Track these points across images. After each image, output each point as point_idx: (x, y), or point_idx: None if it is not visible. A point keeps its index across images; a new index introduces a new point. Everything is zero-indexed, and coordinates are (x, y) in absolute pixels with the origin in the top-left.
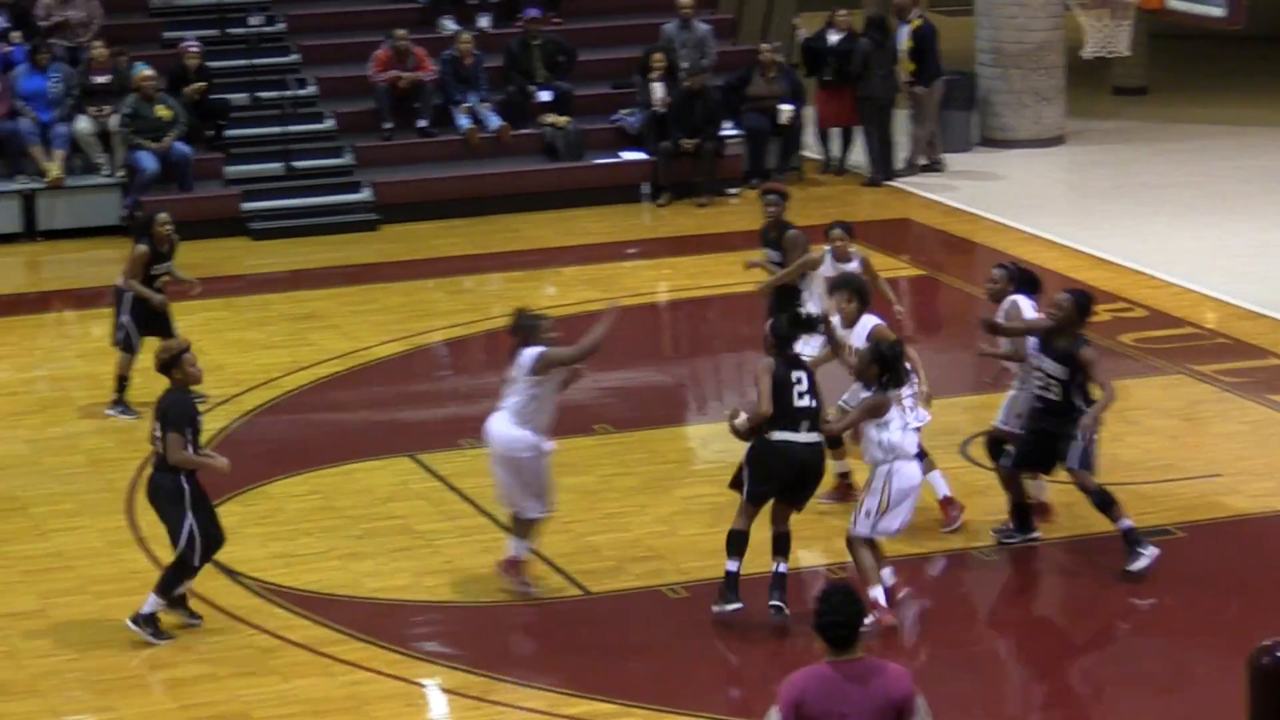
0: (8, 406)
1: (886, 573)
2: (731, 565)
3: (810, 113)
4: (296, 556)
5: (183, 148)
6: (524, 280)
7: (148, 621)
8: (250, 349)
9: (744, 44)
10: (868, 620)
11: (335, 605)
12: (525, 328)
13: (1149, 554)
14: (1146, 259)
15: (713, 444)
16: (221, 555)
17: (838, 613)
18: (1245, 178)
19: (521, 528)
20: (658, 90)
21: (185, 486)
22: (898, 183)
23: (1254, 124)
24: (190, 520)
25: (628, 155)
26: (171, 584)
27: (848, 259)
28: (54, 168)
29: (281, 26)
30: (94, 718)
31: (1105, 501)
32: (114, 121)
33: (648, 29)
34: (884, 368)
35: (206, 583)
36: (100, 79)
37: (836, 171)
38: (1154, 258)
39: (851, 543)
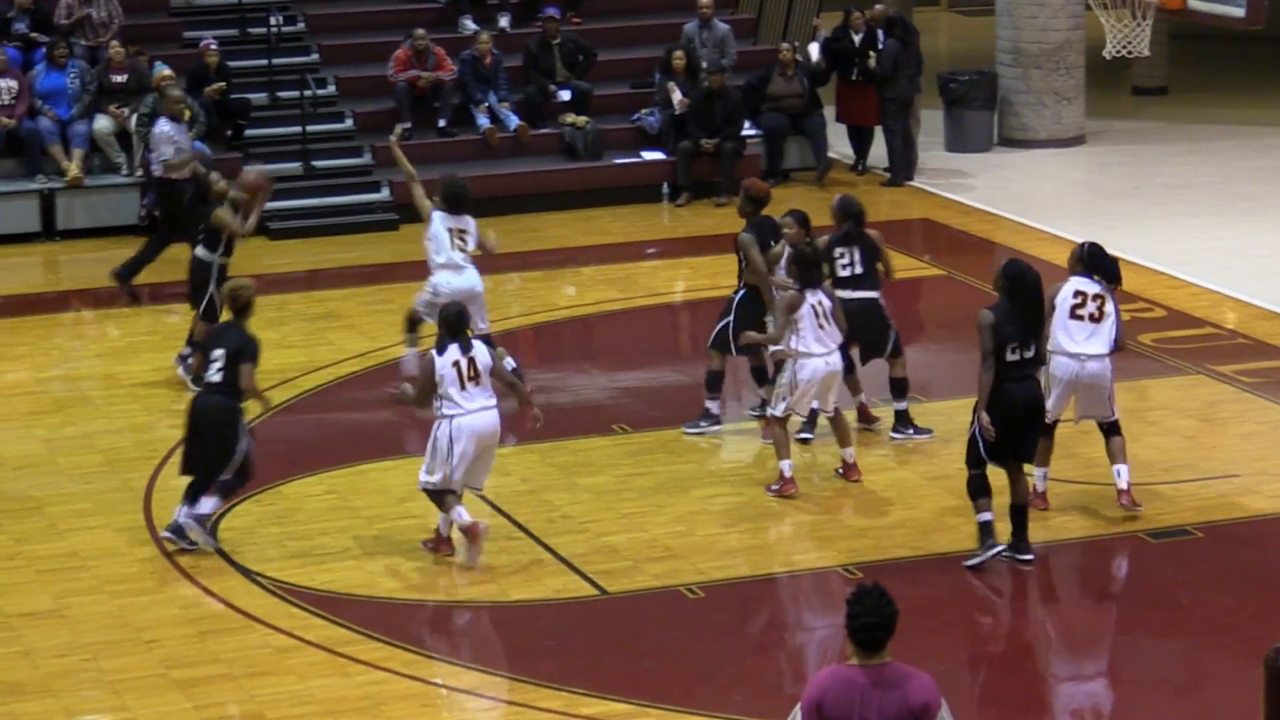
0: (24, 406)
1: (848, 452)
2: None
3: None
4: (313, 556)
5: (201, 147)
6: (543, 280)
7: (202, 520)
8: (268, 348)
9: (764, 44)
10: (772, 487)
11: (351, 605)
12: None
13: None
14: (1166, 259)
15: (730, 444)
16: (238, 555)
17: (872, 614)
18: (1265, 178)
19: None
20: (676, 93)
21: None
22: (917, 182)
23: (1274, 124)
24: (247, 443)
25: (647, 155)
26: (232, 491)
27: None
28: (72, 167)
29: (301, 26)
30: (109, 718)
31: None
32: (133, 121)
33: (668, 29)
34: (800, 268)
35: (220, 581)
36: (119, 78)
37: (858, 171)
38: (1173, 258)
39: (770, 422)
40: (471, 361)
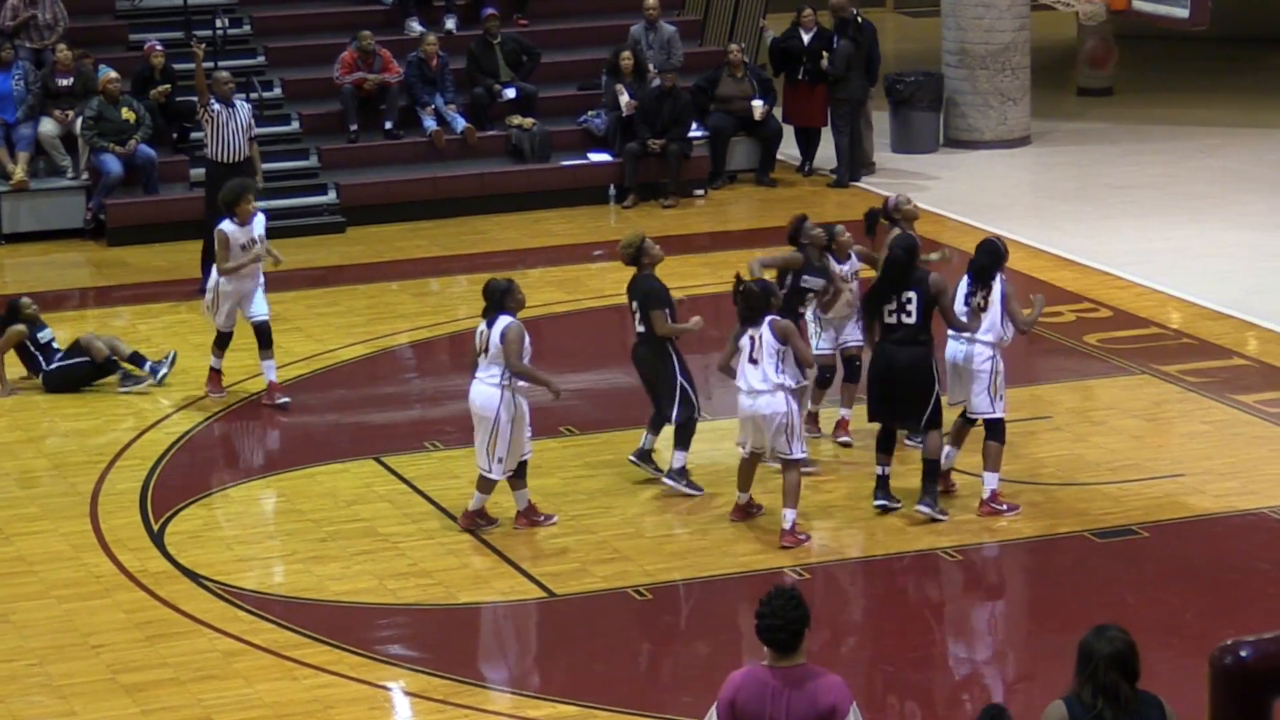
0: None
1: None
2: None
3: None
4: (260, 560)
5: (147, 150)
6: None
7: (680, 474)
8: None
9: (710, 45)
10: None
11: (299, 609)
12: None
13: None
14: (1111, 260)
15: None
16: (185, 559)
17: (776, 617)
18: (1210, 178)
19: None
20: (623, 95)
21: (672, 353)
22: (864, 183)
23: (1219, 125)
24: (681, 380)
25: (594, 157)
26: (687, 440)
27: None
28: (18, 171)
29: (247, 29)
30: None
31: None
32: (78, 124)
33: (614, 30)
34: (744, 305)
35: (168, 586)
36: (64, 81)
37: (804, 172)
38: (1119, 258)
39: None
40: (486, 337)
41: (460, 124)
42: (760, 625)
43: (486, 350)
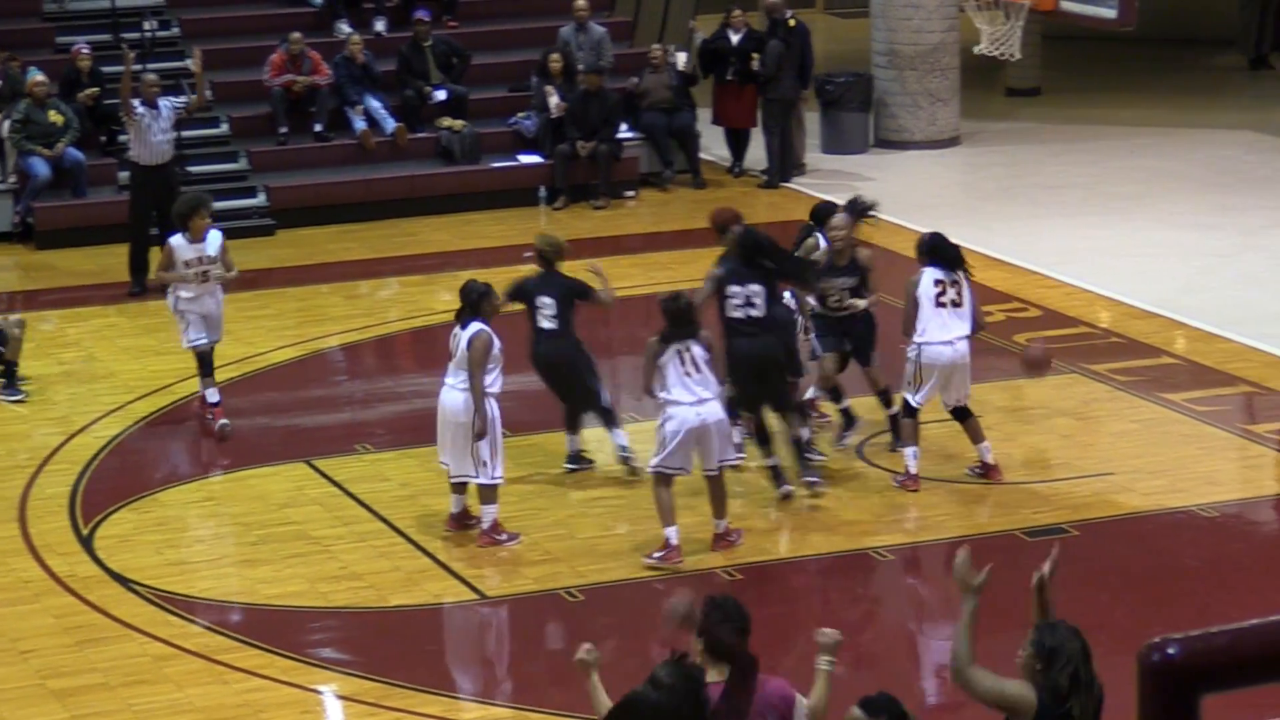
0: None
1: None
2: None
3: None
4: (190, 564)
5: (75, 153)
6: (421, 284)
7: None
8: (143, 355)
9: (640, 46)
10: (655, 555)
11: (230, 612)
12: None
13: None
14: (1040, 259)
15: (609, 446)
16: (114, 563)
17: (723, 624)
18: (1137, 178)
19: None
20: (553, 97)
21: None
22: (795, 184)
23: (1145, 125)
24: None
25: (524, 158)
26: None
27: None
28: None
29: (175, 31)
30: None
31: None
32: (5, 127)
33: (544, 32)
34: (669, 321)
35: (98, 590)
36: None
37: (734, 173)
38: (1048, 258)
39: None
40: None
41: (391, 124)
42: (708, 636)
43: (455, 355)
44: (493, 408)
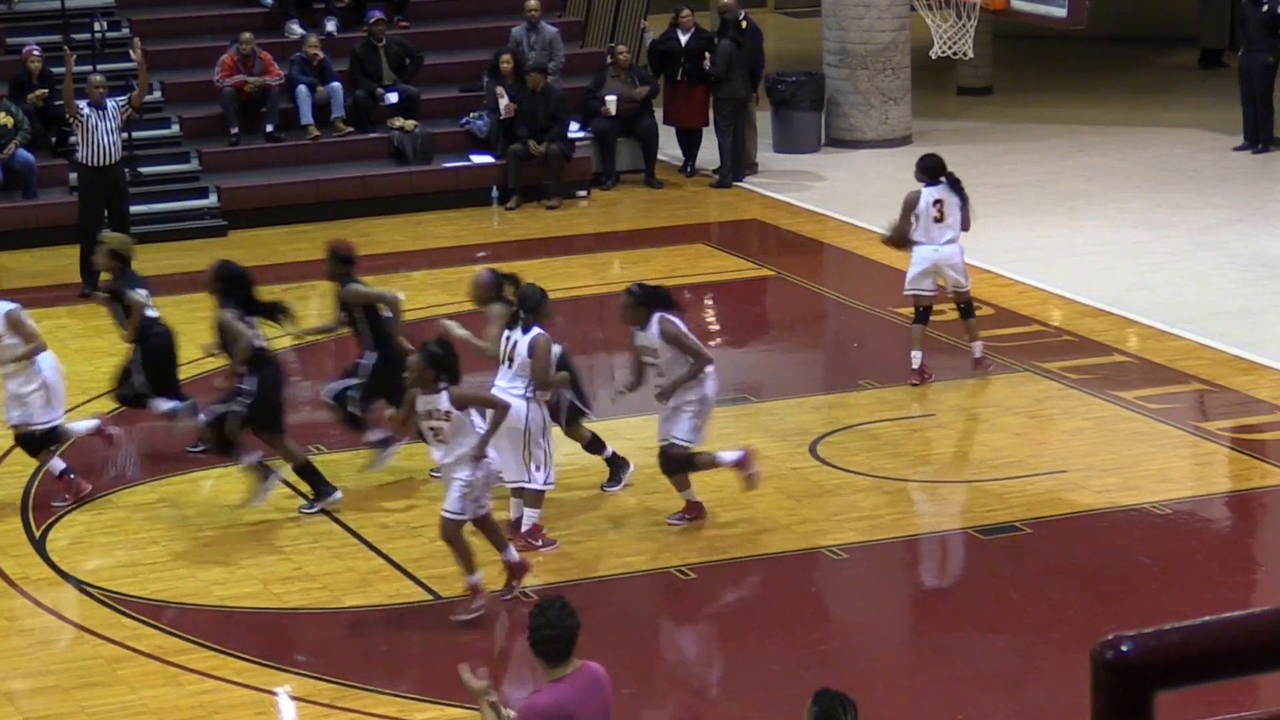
0: None
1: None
2: None
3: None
4: (144, 565)
5: (26, 154)
6: (373, 284)
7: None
8: (96, 356)
9: (592, 46)
10: (462, 617)
11: (183, 614)
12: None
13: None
14: (992, 258)
15: (562, 447)
16: (67, 565)
17: (556, 626)
18: (1088, 176)
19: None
20: (503, 97)
21: None
22: (746, 183)
23: (1096, 123)
24: None
25: (476, 158)
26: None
27: None
28: None
29: (126, 32)
30: None
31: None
32: None
33: (496, 32)
34: (436, 368)
35: (50, 593)
36: None
37: (686, 173)
38: (1000, 256)
39: (448, 526)
40: (514, 345)
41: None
42: (539, 636)
43: (511, 361)
44: (543, 412)
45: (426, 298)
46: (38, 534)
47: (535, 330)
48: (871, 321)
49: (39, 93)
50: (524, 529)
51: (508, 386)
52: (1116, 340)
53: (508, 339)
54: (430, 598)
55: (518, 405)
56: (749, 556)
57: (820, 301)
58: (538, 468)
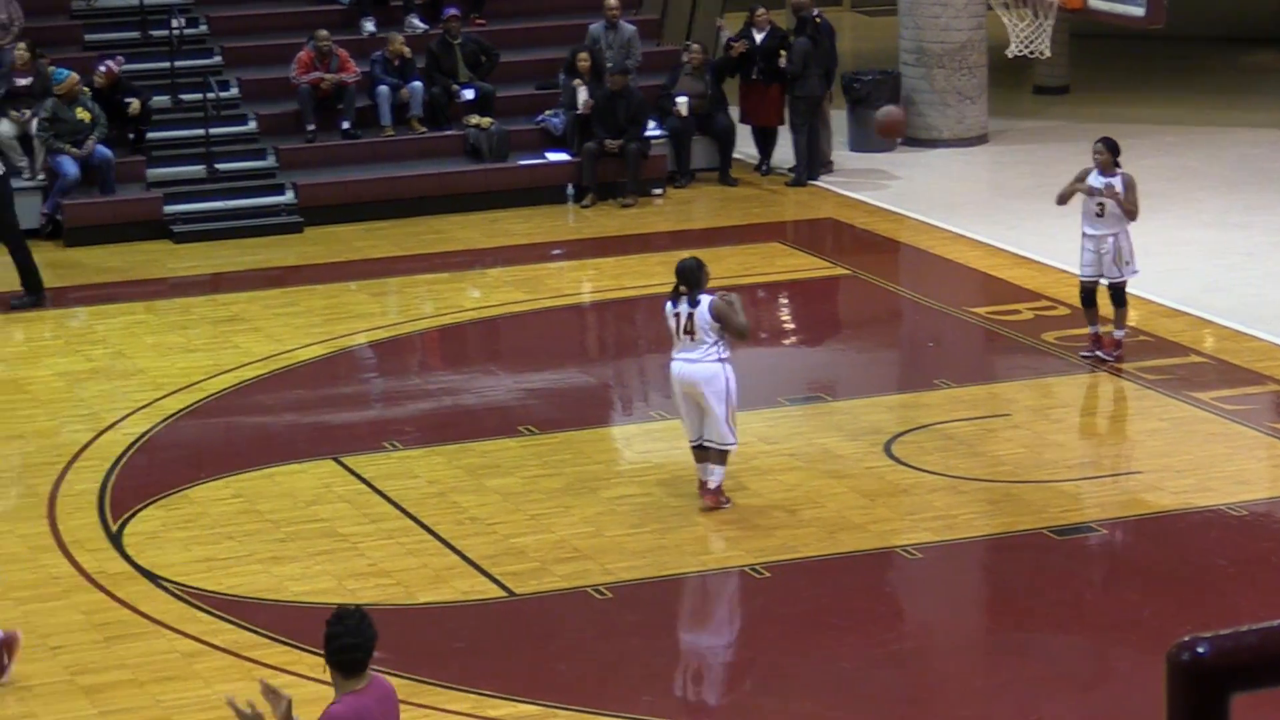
0: None
1: None
2: None
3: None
4: (219, 561)
5: (104, 151)
6: (448, 282)
7: None
8: (171, 352)
9: (668, 44)
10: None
11: (258, 609)
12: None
13: None
14: (1068, 257)
15: (637, 445)
16: (143, 560)
17: (355, 635)
18: (1165, 176)
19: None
20: (580, 94)
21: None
22: (822, 182)
23: (1173, 123)
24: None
25: (552, 156)
26: None
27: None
28: None
29: (203, 29)
30: None
31: None
32: (34, 125)
33: (573, 29)
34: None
35: (127, 587)
36: (22, 81)
37: (761, 171)
38: (1075, 256)
39: None
40: (690, 317)
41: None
42: (336, 646)
43: (693, 331)
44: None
45: (501, 295)
46: (115, 528)
47: (704, 297)
48: (946, 321)
49: (133, 105)
50: (715, 486)
51: (694, 357)
52: (1193, 341)
53: (676, 314)
54: (504, 594)
55: (714, 368)
56: (823, 556)
57: (895, 300)
58: (732, 428)
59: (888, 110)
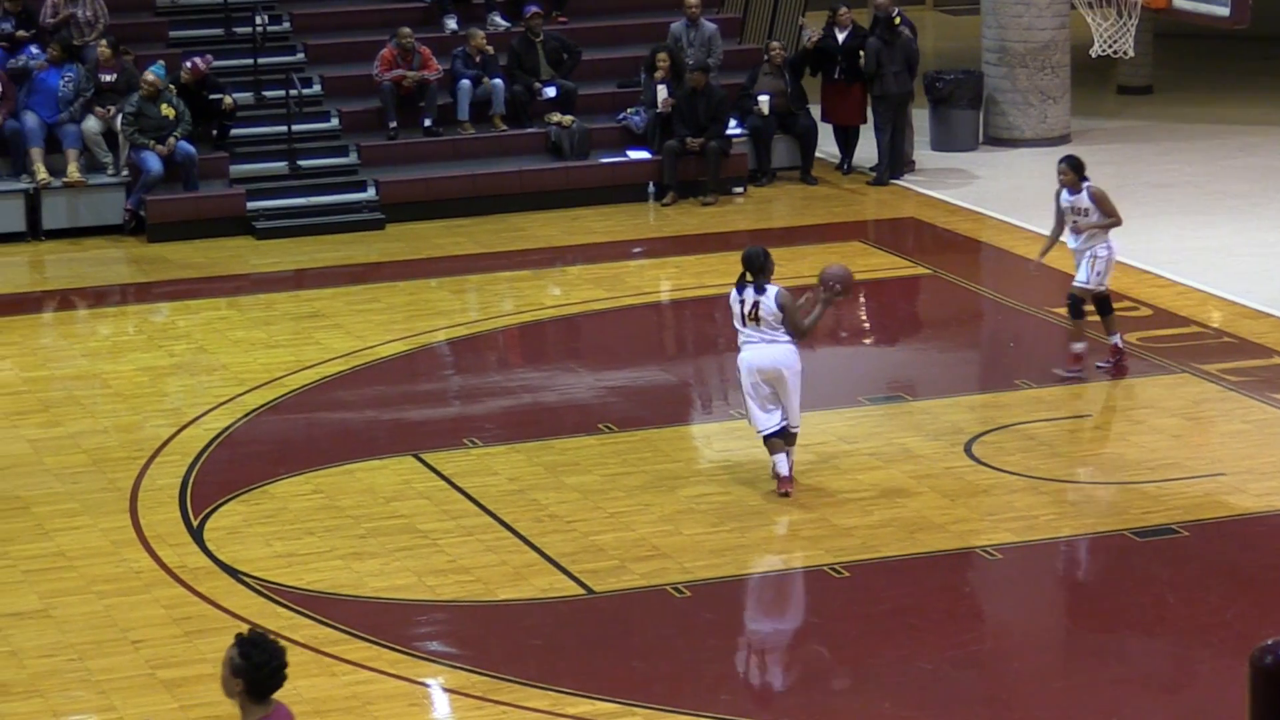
0: (10, 406)
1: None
2: None
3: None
4: (299, 556)
5: (187, 147)
6: (529, 279)
7: None
8: (254, 348)
9: (749, 43)
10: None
11: (338, 605)
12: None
13: None
14: (1152, 258)
15: (716, 443)
16: (224, 555)
17: (277, 658)
18: (1250, 177)
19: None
20: (661, 91)
21: None
22: (903, 181)
23: (1258, 123)
24: None
25: (633, 154)
26: None
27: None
28: (72, 169)
29: (286, 25)
30: (96, 718)
31: None
32: (118, 121)
33: (655, 28)
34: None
35: (207, 582)
36: (107, 78)
37: (843, 170)
38: (1159, 257)
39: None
40: (756, 304)
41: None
42: (267, 672)
43: (758, 318)
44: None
45: (582, 293)
46: (195, 523)
47: (771, 287)
48: (1028, 321)
49: (227, 104)
50: (787, 474)
51: (767, 338)
52: (1277, 343)
53: (742, 301)
54: (583, 592)
55: (790, 348)
56: (903, 555)
57: (976, 300)
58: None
59: (832, 273)
